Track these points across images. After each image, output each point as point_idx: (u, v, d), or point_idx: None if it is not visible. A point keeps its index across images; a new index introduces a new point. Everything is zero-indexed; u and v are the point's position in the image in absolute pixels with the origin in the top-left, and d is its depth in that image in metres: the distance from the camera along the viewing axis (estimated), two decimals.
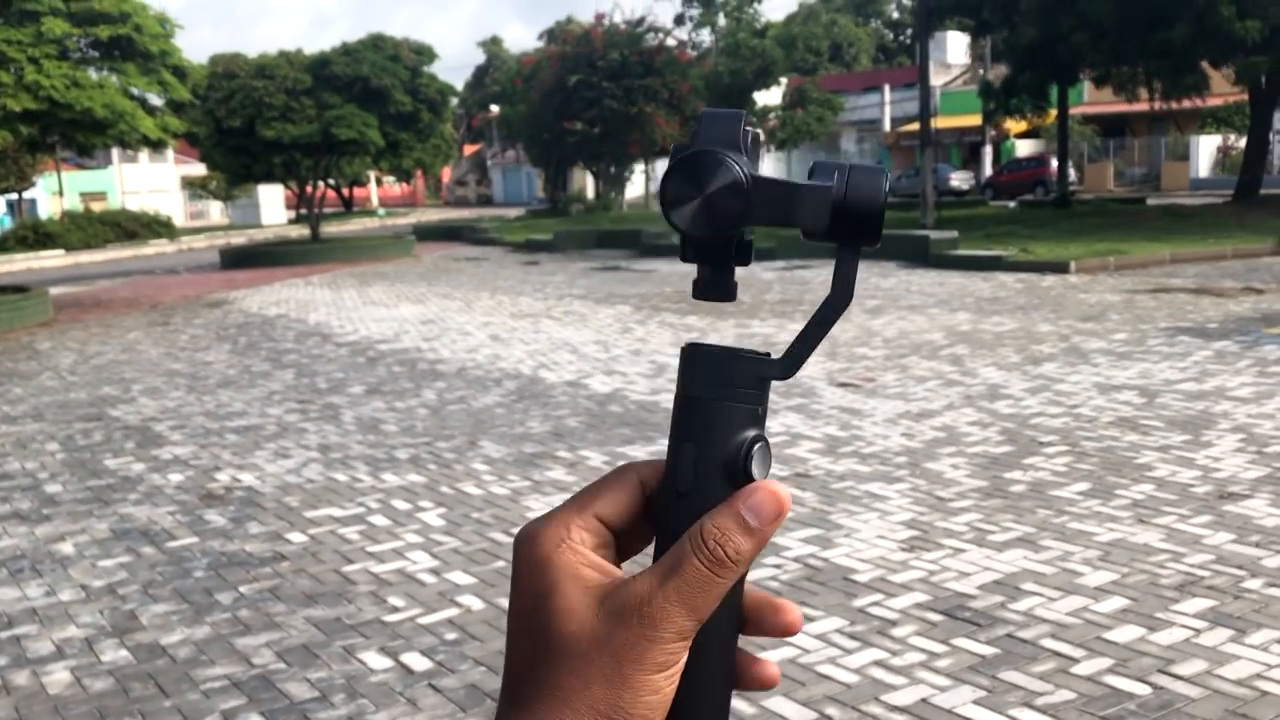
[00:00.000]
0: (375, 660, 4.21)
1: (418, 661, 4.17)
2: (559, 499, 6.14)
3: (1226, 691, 3.62)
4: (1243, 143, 33.24)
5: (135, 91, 20.03)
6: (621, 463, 0.56)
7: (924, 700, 3.66)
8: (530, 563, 0.52)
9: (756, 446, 0.52)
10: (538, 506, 6.08)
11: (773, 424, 7.73)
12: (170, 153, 51.04)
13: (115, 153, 53.18)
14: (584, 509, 0.53)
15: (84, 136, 18.98)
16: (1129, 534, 5.19)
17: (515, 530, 5.69)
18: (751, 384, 0.52)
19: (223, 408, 9.35)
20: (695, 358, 0.53)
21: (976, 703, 3.62)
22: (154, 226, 43.14)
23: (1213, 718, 3.45)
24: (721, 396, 0.52)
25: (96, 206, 48.46)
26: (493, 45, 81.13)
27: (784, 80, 40.67)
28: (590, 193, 45.02)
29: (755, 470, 0.52)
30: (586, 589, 0.51)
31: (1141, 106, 30.58)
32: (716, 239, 0.52)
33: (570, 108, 36.28)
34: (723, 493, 0.51)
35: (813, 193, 0.52)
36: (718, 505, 0.51)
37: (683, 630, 0.50)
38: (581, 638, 0.50)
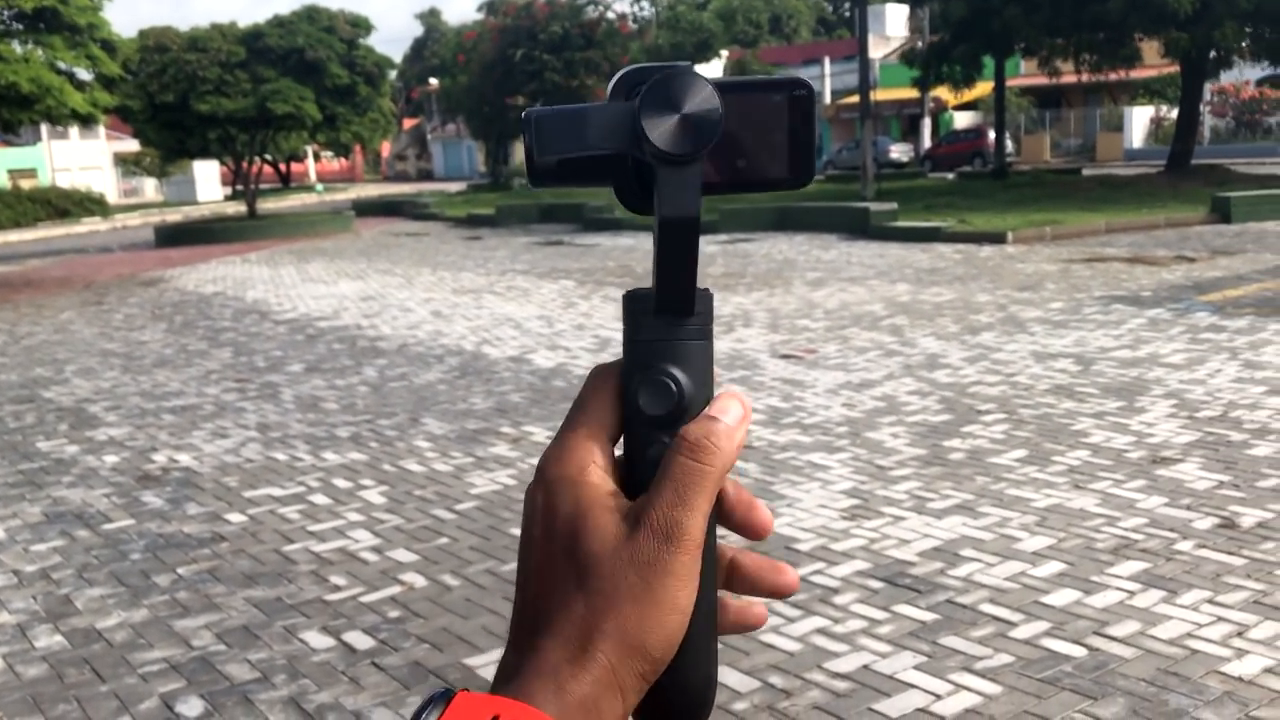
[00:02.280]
0: (317, 640, 4.17)
1: (360, 640, 4.15)
2: (504, 475, 6.13)
3: (1158, 651, 3.70)
4: (1175, 114, 33.76)
5: (63, 66, 19.56)
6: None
7: (866, 667, 3.70)
8: (560, 486, 0.53)
9: (642, 382, 0.53)
10: (481, 483, 6.05)
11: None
12: (101, 129, 49.90)
13: (44, 129, 51.91)
14: (595, 434, 0.54)
15: (9, 112, 18.52)
16: (1065, 499, 5.28)
17: (459, 507, 5.66)
18: (645, 321, 0.54)
19: (159, 388, 9.20)
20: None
21: (917, 668, 3.67)
22: (86, 204, 42.27)
23: (1145, 677, 3.52)
24: (631, 334, 0.54)
25: (26, 184, 47.31)
26: (431, 17, 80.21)
27: (724, 53, 40.64)
28: None
29: (642, 403, 0.53)
30: (609, 510, 0.52)
31: (1076, 78, 30.90)
32: (695, 159, 0.51)
33: (511, 81, 36.02)
34: (640, 429, 0.54)
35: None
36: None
37: (693, 535, 0.52)
38: (607, 556, 0.51)
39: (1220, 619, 3.91)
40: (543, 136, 0.52)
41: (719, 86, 0.52)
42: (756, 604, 0.58)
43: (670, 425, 0.54)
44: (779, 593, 0.57)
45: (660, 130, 0.50)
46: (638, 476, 0.54)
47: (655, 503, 0.52)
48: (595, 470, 0.53)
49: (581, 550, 0.52)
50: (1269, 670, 3.52)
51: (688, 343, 0.54)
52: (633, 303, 0.54)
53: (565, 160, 0.53)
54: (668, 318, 0.53)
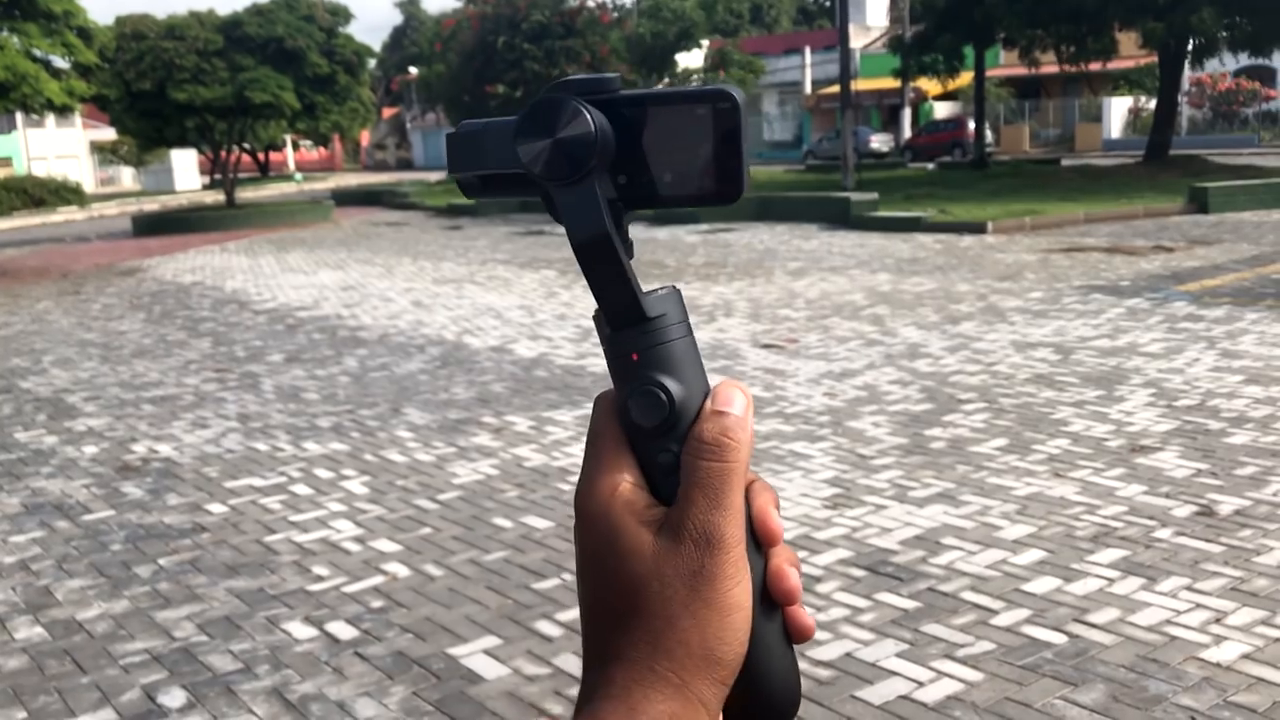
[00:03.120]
0: (300, 630, 4.16)
1: (343, 630, 4.14)
2: (485, 465, 6.13)
3: (1138, 638, 3.73)
4: (1153, 104, 33.93)
5: (38, 54, 19.39)
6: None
7: (848, 654, 3.72)
8: (593, 517, 0.54)
9: (629, 398, 0.54)
10: (463, 473, 6.05)
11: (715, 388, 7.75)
12: (78, 117, 49.52)
13: (19, 117, 51.46)
14: (618, 455, 0.54)
15: None
16: (1045, 488, 5.31)
17: (441, 497, 5.66)
18: (616, 336, 0.55)
19: (138, 378, 9.14)
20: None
21: (899, 656, 3.69)
22: (62, 193, 41.91)
23: (1125, 664, 3.55)
24: (609, 353, 0.55)
25: (1, 173, 46.90)
26: (410, 6, 79.83)
27: (705, 42, 40.59)
28: None
29: (635, 417, 0.54)
30: (640, 529, 0.53)
31: (1055, 69, 31.03)
32: (567, 181, 0.52)
33: (491, 70, 35.86)
34: (647, 444, 0.55)
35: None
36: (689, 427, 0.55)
37: (733, 534, 0.52)
38: (651, 575, 0.52)
39: (1199, 606, 3.95)
40: (453, 155, 0.54)
41: (643, 100, 0.53)
42: (804, 614, 0.58)
43: (669, 432, 0.54)
44: (785, 599, 0.57)
45: (534, 155, 0.52)
46: (656, 486, 0.54)
47: (689, 511, 0.52)
48: (626, 488, 0.54)
49: (625, 575, 0.52)
50: (1247, 656, 3.56)
51: (667, 345, 0.54)
52: (599, 323, 0.55)
53: (486, 176, 0.54)
54: (636, 328, 0.54)
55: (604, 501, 0.53)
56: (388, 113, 73.18)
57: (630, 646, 0.52)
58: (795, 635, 0.56)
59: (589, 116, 0.52)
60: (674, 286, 0.55)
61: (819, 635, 3.87)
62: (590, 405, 0.61)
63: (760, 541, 0.55)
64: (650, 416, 0.53)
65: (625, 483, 0.53)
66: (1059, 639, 3.75)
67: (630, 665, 0.51)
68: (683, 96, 0.54)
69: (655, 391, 0.53)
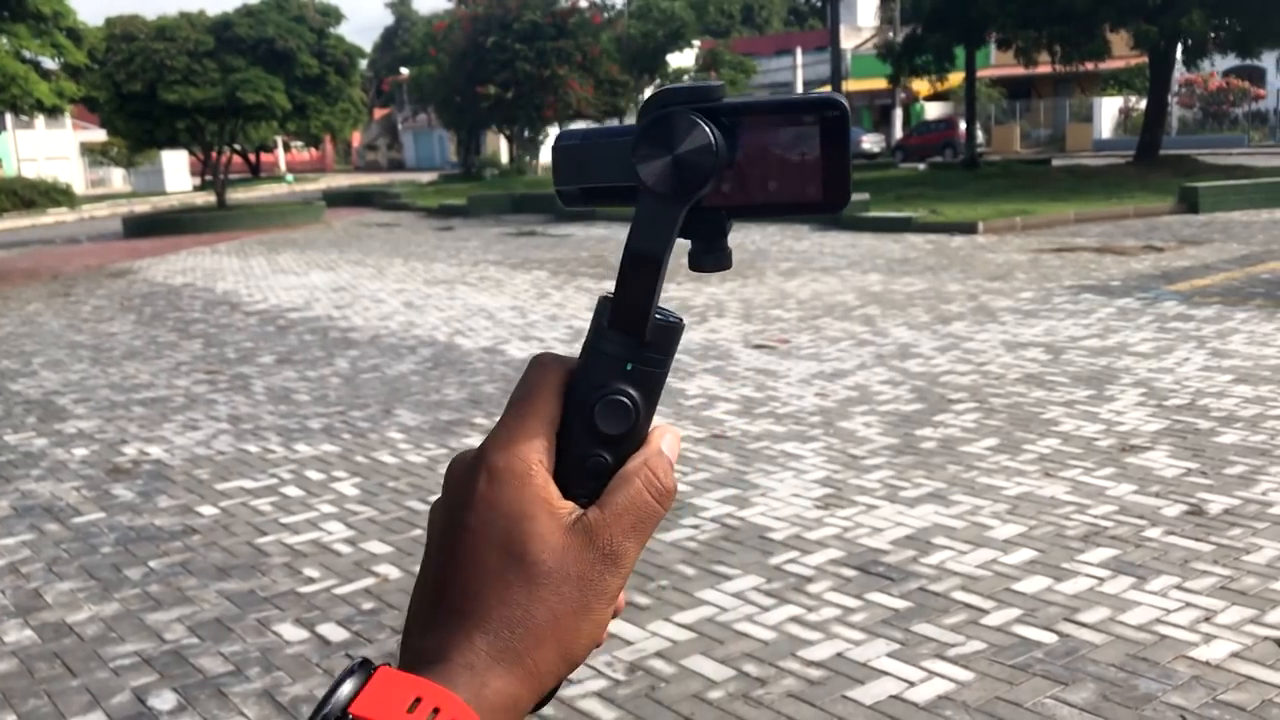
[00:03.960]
0: (291, 632, 4.16)
1: (334, 632, 4.14)
2: None
3: (1128, 637, 3.74)
4: (1143, 104, 34.02)
5: (27, 55, 19.34)
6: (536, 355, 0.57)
7: (839, 654, 3.72)
8: (506, 479, 0.53)
9: (602, 400, 0.54)
10: None
11: (689, 386, 7.77)
12: (68, 118, 49.31)
13: (9, 119, 51.27)
14: (543, 431, 0.54)
15: None
16: (1036, 487, 5.32)
17: (432, 498, 5.63)
18: (611, 335, 0.55)
19: (128, 380, 9.12)
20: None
21: (890, 655, 3.70)
22: (53, 195, 41.68)
23: (1115, 662, 3.56)
24: (595, 343, 0.55)
25: None
26: (401, 6, 79.74)
27: (696, 43, 40.60)
28: (504, 157, 44.61)
29: (599, 421, 0.54)
30: (556, 518, 0.53)
31: (1046, 69, 31.10)
32: (686, 199, 0.52)
33: (483, 70, 35.85)
34: (582, 437, 0.55)
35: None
36: (633, 446, 0.55)
37: (630, 564, 0.54)
38: (554, 569, 0.52)
39: (1188, 604, 3.96)
40: (560, 168, 0.55)
41: (749, 108, 0.53)
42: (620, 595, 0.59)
43: (617, 445, 0.54)
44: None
45: (650, 170, 0.52)
46: (570, 481, 0.54)
47: (612, 527, 0.53)
48: (540, 471, 0.54)
49: (529, 555, 0.52)
50: (1236, 655, 3.57)
51: (649, 370, 0.55)
52: (603, 309, 0.55)
53: (588, 189, 0.55)
54: (633, 340, 0.54)
55: (521, 470, 0.53)
56: (379, 113, 73.09)
57: (505, 623, 0.52)
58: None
59: (708, 130, 0.52)
60: (680, 319, 0.55)
61: (810, 635, 3.87)
62: None
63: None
64: (614, 426, 0.54)
65: (540, 462, 0.54)
66: (1049, 638, 3.76)
67: (497, 641, 0.52)
68: (791, 105, 0.54)
69: (628, 404, 0.54)
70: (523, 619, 0.52)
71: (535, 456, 0.54)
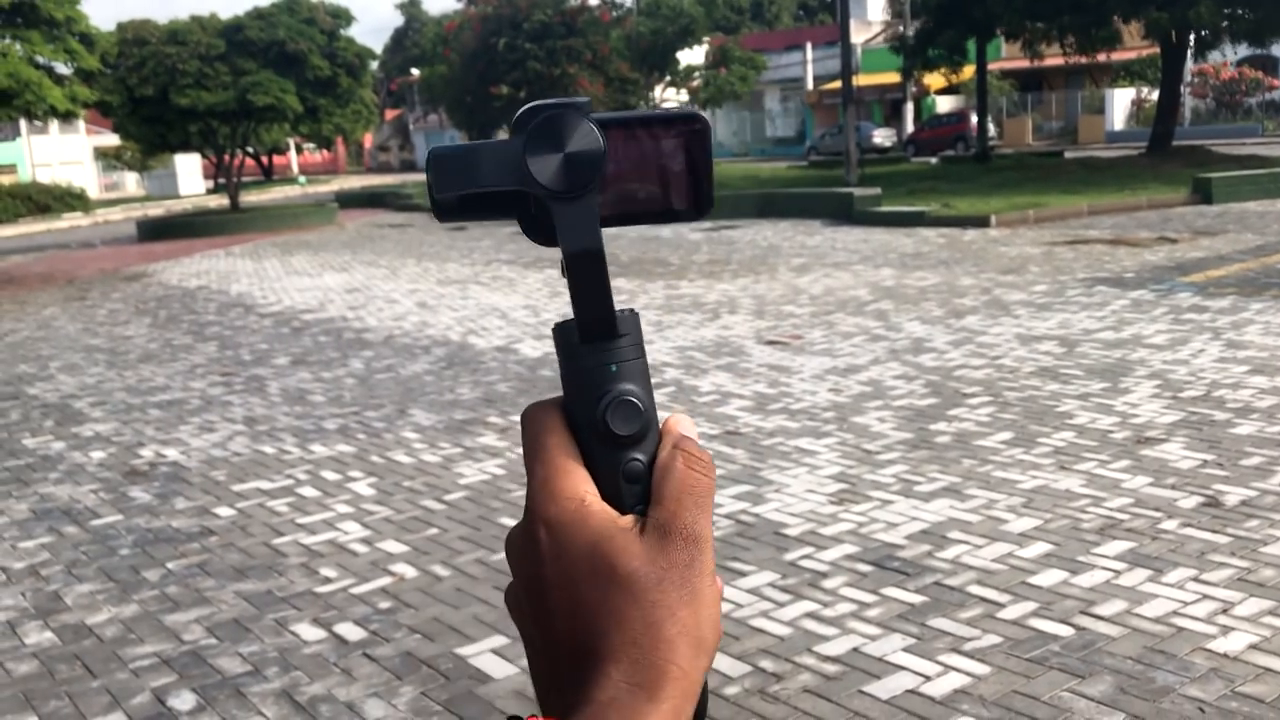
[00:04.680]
0: (308, 632, 4.18)
1: (351, 631, 4.15)
2: (492, 465, 6.14)
3: (1145, 630, 3.73)
4: (1155, 96, 33.86)
5: (41, 60, 19.43)
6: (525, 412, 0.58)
7: (855, 649, 3.73)
8: (564, 524, 0.54)
9: (610, 406, 0.55)
10: (469, 473, 6.06)
11: (702, 383, 7.77)
12: (81, 123, 49.59)
13: (23, 124, 51.54)
14: (575, 467, 0.55)
15: None
16: (1051, 480, 5.31)
17: (448, 497, 5.67)
18: (581, 349, 0.55)
19: (144, 383, 9.17)
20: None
21: (906, 650, 3.70)
22: (67, 199, 41.92)
23: (1132, 655, 3.55)
24: (570, 362, 0.56)
25: (6, 180, 46.94)
26: (411, 7, 79.83)
27: (706, 40, 40.54)
28: None
29: (615, 426, 0.55)
30: (625, 531, 0.54)
31: (1057, 61, 30.98)
32: (580, 195, 0.54)
33: (494, 71, 35.87)
34: (607, 452, 0.55)
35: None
36: (655, 439, 0.56)
37: (710, 538, 0.55)
38: (649, 572, 0.53)
39: (1205, 597, 3.95)
40: (440, 175, 0.54)
41: (618, 122, 0.55)
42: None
43: (638, 443, 0.55)
44: None
45: (545, 169, 0.53)
46: (617, 497, 0.55)
47: (678, 513, 0.54)
48: (592, 499, 0.54)
49: (620, 570, 0.52)
50: (1254, 646, 3.56)
51: (631, 362, 0.56)
52: (564, 334, 0.56)
53: (467, 196, 0.55)
54: (605, 342, 0.55)
55: (575, 509, 0.54)
56: (390, 114, 73.24)
57: (629, 643, 0.52)
58: None
59: (594, 128, 0.54)
60: (633, 309, 0.56)
61: (826, 630, 3.88)
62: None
63: None
64: (629, 425, 0.55)
65: (589, 494, 0.54)
66: (1066, 631, 3.75)
67: (631, 664, 0.51)
68: (657, 119, 0.57)
69: (635, 403, 0.55)
70: (644, 632, 0.52)
71: (580, 489, 0.54)
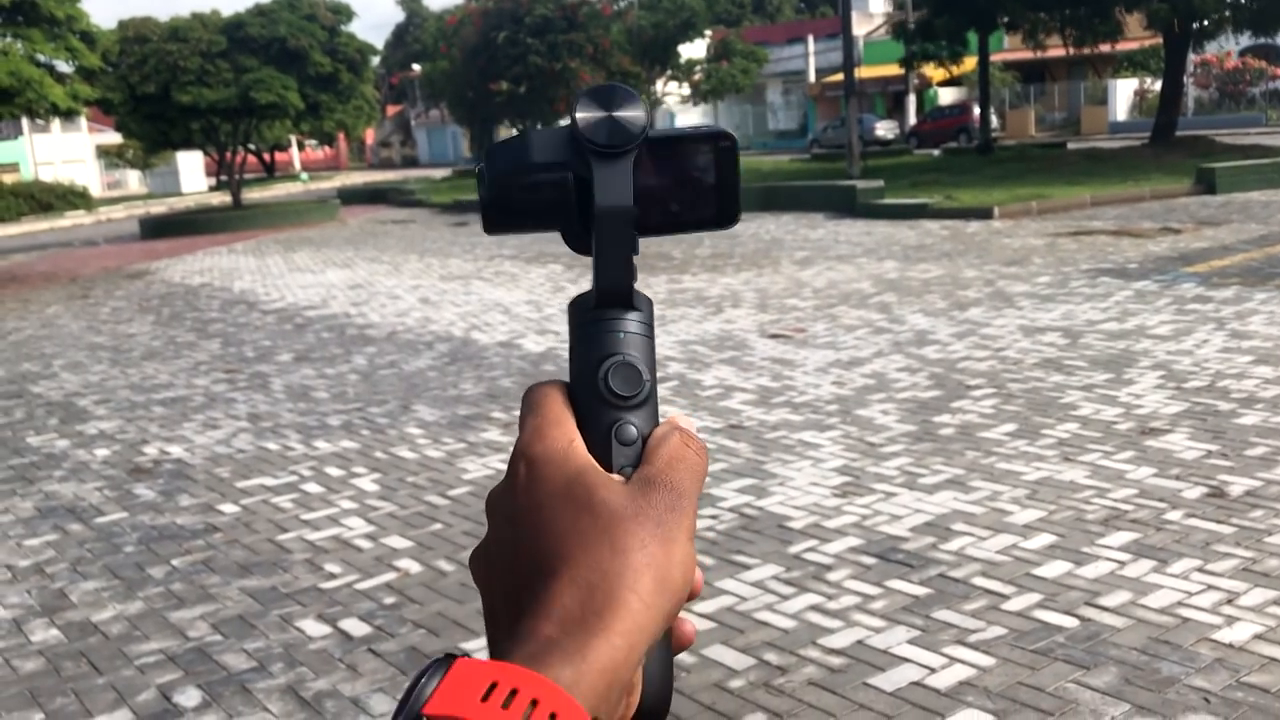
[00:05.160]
0: (313, 628, 4.18)
1: (356, 627, 4.16)
2: (496, 460, 6.14)
3: (1150, 620, 3.73)
4: (1158, 86, 33.77)
5: (42, 59, 19.43)
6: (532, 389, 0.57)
7: (860, 642, 3.73)
8: (550, 458, 0.53)
9: (612, 367, 0.56)
10: (473, 468, 6.06)
11: (706, 377, 7.77)
12: (83, 121, 49.58)
13: (25, 123, 51.54)
14: (568, 418, 0.55)
15: None
16: (1055, 472, 5.31)
17: (452, 493, 5.67)
18: (594, 315, 0.57)
19: (148, 380, 9.18)
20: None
21: (911, 642, 3.70)
22: (70, 197, 41.89)
23: (1137, 646, 3.55)
24: (581, 326, 0.58)
25: (8, 178, 46.92)
26: (412, 3, 79.77)
27: (708, 33, 40.48)
28: None
29: (615, 385, 0.56)
30: (610, 477, 0.53)
31: (1059, 52, 30.90)
32: (619, 153, 0.56)
33: (495, 65, 35.85)
34: (603, 412, 0.56)
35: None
36: (653, 414, 0.56)
37: (694, 507, 0.53)
38: (626, 506, 0.51)
39: (1210, 587, 3.95)
40: (492, 158, 0.58)
41: (655, 141, 0.58)
42: (686, 621, 0.56)
43: (635, 409, 0.56)
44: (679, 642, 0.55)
45: (591, 125, 0.56)
46: (609, 455, 0.55)
47: (666, 471, 0.53)
48: (579, 447, 0.53)
49: (597, 499, 0.51)
50: (1259, 636, 3.56)
51: (639, 337, 0.57)
52: (579, 302, 0.58)
53: (514, 209, 0.58)
54: (614, 310, 0.57)
55: (562, 447, 0.53)
56: (392, 110, 73.21)
57: (594, 568, 0.49)
58: (676, 642, 0.55)
59: (641, 101, 0.57)
60: (649, 297, 0.58)
61: (830, 623, 3.88)
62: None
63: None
64: (630, 387, 0.55)
65: (576, 440, 0.54)
66: (1070, 623, 3.75)
67: (589, 590, 0.48)
68: (690, 137, 0.60)
69: (637, 367, 0.56)
70: (610, 555, 0.49)
71: (569, 436, 0.54)
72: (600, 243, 0.56)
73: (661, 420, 0.57)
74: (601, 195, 0.56)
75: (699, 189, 0.60)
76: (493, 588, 0.53)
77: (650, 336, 0.58)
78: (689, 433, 0.55)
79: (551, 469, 0.52)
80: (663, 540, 0.51)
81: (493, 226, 0.59)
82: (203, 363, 9.81)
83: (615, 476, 0.53)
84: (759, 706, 3.36)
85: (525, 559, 0.51)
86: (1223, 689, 3.26)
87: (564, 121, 0.60)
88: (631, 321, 0.57)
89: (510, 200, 0.58)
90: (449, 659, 0.46)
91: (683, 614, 0.55)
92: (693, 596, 0.54)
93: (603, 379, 0.56)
